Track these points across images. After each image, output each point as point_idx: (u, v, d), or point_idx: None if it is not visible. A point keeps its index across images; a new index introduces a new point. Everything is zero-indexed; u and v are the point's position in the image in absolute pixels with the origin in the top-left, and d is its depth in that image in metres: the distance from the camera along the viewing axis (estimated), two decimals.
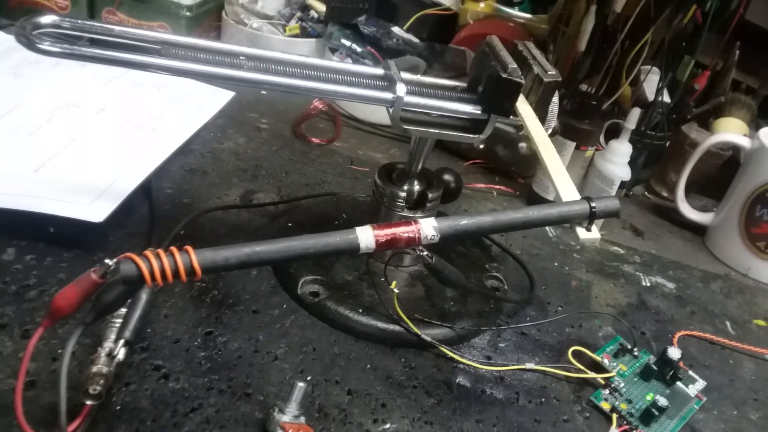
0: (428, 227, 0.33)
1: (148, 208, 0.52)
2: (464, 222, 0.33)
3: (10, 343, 0.38)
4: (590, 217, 0.35)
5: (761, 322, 0.58)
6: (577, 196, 0.37)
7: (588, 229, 0.36)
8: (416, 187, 0.48)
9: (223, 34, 0.81)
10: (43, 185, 0.47)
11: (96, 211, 0.45)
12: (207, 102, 0.65)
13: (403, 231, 0.32)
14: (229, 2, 0.80)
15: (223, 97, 0.66)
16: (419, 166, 0.47)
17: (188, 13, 0.75)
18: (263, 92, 0.77)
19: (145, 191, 0.53)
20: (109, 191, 0.48)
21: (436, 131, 0.42)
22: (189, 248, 0.29)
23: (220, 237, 0.51)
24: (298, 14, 0.79)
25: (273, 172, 0.62)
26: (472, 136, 0.42)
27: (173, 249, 0.28)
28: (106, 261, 0.29)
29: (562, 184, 0.37)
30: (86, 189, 0.47)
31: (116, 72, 0.65)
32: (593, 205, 0.35)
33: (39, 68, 0.63)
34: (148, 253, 0.28)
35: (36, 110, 0.56)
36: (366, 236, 0.32)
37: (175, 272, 0.28)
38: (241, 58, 0.40)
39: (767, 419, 0.47)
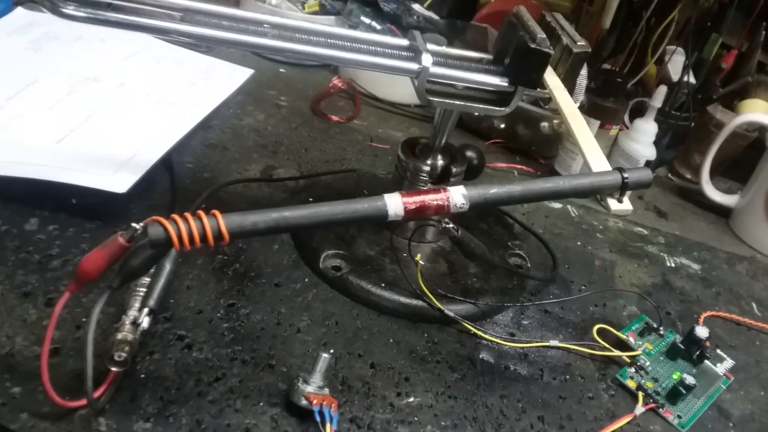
0: (457, 195, 0.32)
1: (170, 181, 0.51)
2: (494, 190, 0.33)
3: (35, 311, 0.38)
4: (622, 188, 0.34)
5: None
6: (608, 167, 0.36)
7: (620, 201, 0.35)
8: (440, 162, 0.47)
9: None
10: (65, 156, 0.47)
11: (119, 181, 0.44)
12: (226, 79, 0.64)
13: (432, 198, 0.32)
14: None
15: (242, 74, 0.66)
16: (443, 141, 0.47)
17: None
18: (282, 70, 0.76)
19: (166, 165, 0.52)
20: (131, 163, 0.47)
21: (462, 103, 0.41)
22: (216, 212, 0.28)
23: (241, 210, 0.51)
24: None
25: (293, 149, 0.61)
26: (498, 108, 0.42)
27: (200, 213, 0.28)
28: (133, 225, 0.29)
29: (593, 155, 0.36)
30: (108, 160, 0.47)
31: (135, 47, 0.65)
32: (625, 175, 0.34)
33: (59, 43, 0.62)
34: (176, 216, 0.28)
35: (56, 84, 0.56)
36: (394, 203, 0.31)
37: (203, 236, 0.28)
38: (265, 26, 0.39)
39: None
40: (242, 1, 0.80)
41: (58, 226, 0.44)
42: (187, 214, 0.28)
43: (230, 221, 0.28)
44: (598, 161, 0.36)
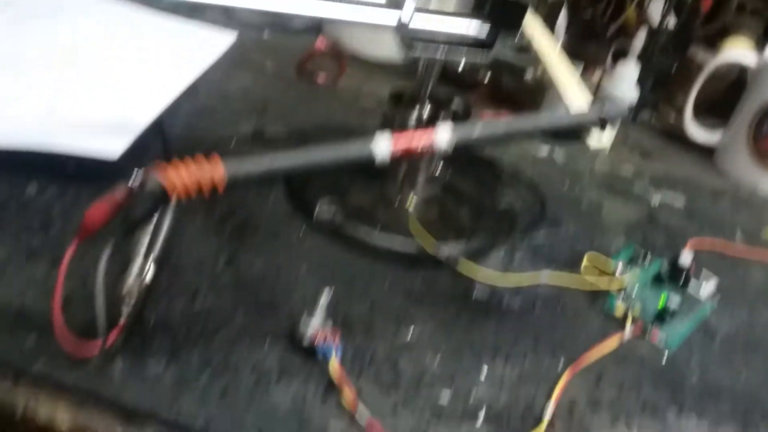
0: (445, 134, 0.33)
1: (162, 145, 0.52)
2: (480, 129, 0.34)
3: (43, 269, 0.39)
4: (601, 123, 0.35)
5: None
6: (587, 103, 0.37)
7: (599, 134, 0.36)
8: (426, 111, 0.48)
9: None
10: (57, 125, 0.48)
11: (111, 147, 0.45)
12: (210, 44, 0.65)
13: (419, 138, 0.33)
14: None
15: (226, 38, 0.66)
16: (428, 91, 0.48)
17: None
18: (265, 35, 0.77)
19: (157, 131, 0.53)
20: (122, 129, 0.48)
21: (445, 50, 0.42)
22: (215, 158, 0.30)
23: None
24: None
25: (281, 111, 0.62)
26: (481, 54, 0.43)
27: (199, 158, 0.29)
28: (133, 175, 0.30)
29: (570, 91, 0.37)
30: (99, 128, 0.48)
31: (116, 17, 0.65)
32: (605, 108, 0.35)
33: (37, 17, 0.63)
34: (173, 166, 0.29)
35: (40, 56, 0.57)
36: (383, 144, 0.32)
37: (199, 186, 0.29)
38: None
39: None
40: None
41: (54, 192, 0.45)
42: (184, 162, 0.29)
43: (227, 168, 0.29)
44: (576, 98, 0.37)
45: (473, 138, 0.36)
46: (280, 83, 0.67)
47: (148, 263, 0.37)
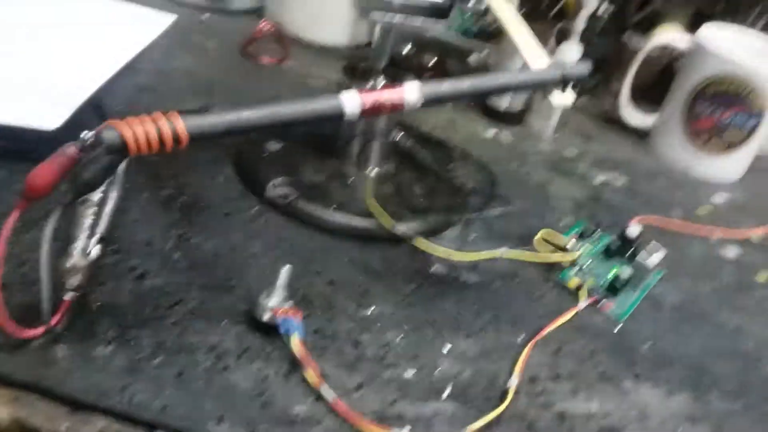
0: (412, 90, 0.33)
1: (100, 122, 0.49)
2: (446, 85, 0.33)
3: None
4: (563, 81, 0.36)
5: (705, 210, 0.62)
6: (547, 63, 0.38)
7: (563, 91, 0.36)
8: (382, 83, 0.47)
9: None
10: None
11: (49, 118, 0.42)
12: (149, 23, 0.62)
13: (388, 94, 0.32)
14: None
15: (165, 18, 0.64)
16: (383, 62, 0.47)
17: None
18: (204, 17, 0.74)
19: (95, 108, 0.50)
20: (60, 101, 0.45)
21: (402, 17, 0.42)
22: (174, 113, 0.28)
23: None
24: None
25: (227, 90, 0.60)
26: (438, 20, 0.42)
27: (156, 114, 0.27)
28: (84, 133, 0.28)
29: (531, 52, 0.37)
30: (36, 99, 0.45)
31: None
32: (566, 68, 0.36)
33: None
34: (131, 119, 0.27)
35: None
36: (352, 100, 0.31)
37: (160, 138, 0.27)
38: None
39: (718, 290, 0.51)
40: None
41: None
42: (143, 116, 0.27)
43: (188, 121, 0.28)
44: (537, 58, 0.37)
45: (441, 94, 0.35)
46: (223, 63, 0.65)
47: (93, 240, 0.35)
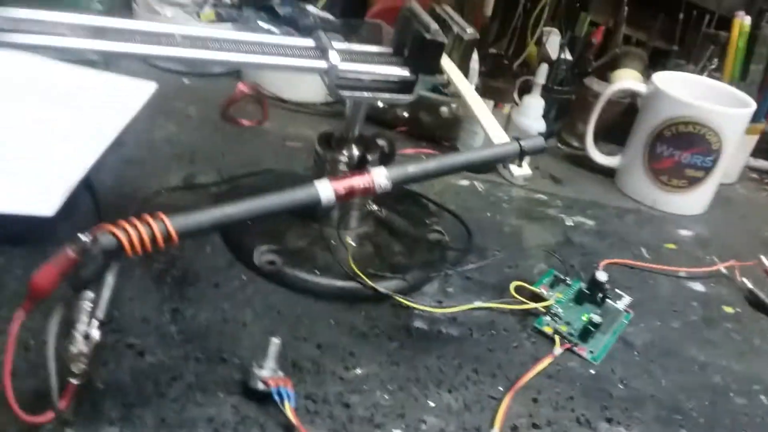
0: (380, 176, 0.36)
1: (92, 200, 0.52)
2: (412, 168, 0.36)
3: None
4: (520, 155, 0.39)
5: (672, 246, 0.65)
6: (507, 139, 0.41)
7: (519, 166, 0.40)
8: (355, 152, 0.50)
9: None
10: None
11: (44, 204, 0.45)
12: (131, 95, 0.64)
13: (358, 181, 0.35)
14: None
15: (147, 88, 0.66)
16: (356, 132, 0.50)
17: (99, 6, 0.74)
18: (185, 81, 0.77)
19: (86, 185, 0.53)
20: (53, 185, 0.47)
21: (371, 94, 0.45)
22: (162, 215, 0.30)
23: None
24: (211, 0, 0.79)
25: (209, 156, 0.63)
26: (404, 96, 0.46)
27: (147, 216, 0.30)
28: (81, 236, 0.30)
29: (492, 129, 0.41)
30: (29, 185, 0.47)
31: (34, 70, 0.64)
32: (522, 143, 0.39)
33: None
34: (123, 222, 0.29)
35: None
36: (325, 188, 0.34)
37: (152, 238, 0.30)
38: (177, 37, 0.41)
39: (686, 326, 0.54)
40: (135, 16, 0.80)
41: None
42: (134, 219, 0.30)
43: (177, 221, 0.30)
44: (497, 134, 0.40)
45: (408, 176, 0.38)
46: (205, 129, 0.68)
47: (93, 325, 0.37)
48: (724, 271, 0.61)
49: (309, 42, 0.45)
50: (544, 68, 0.70)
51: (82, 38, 0.38)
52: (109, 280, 0.39)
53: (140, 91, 0.65)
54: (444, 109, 0.74)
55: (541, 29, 0.77)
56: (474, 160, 0.38)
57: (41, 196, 0.45)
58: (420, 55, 0.45)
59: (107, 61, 0.73)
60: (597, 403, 0.44)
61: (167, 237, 0.30)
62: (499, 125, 0.41)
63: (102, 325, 0.37)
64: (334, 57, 0.44)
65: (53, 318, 0.31)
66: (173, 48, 0.40)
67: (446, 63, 0.47)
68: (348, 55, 0.45)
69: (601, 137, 0.80)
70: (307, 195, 0.34)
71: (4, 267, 0.43)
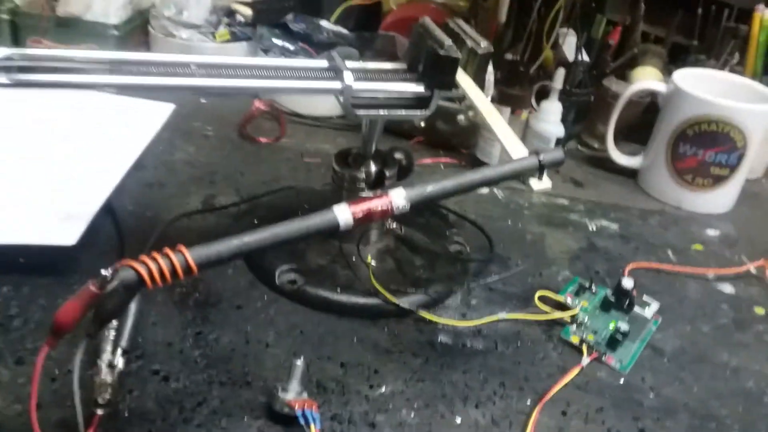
0: (399, 197, 0.35)
1: (114, 226, 0.52)
2: (430, 188, 0.36)
3: (6, 372, 0.38)
4: (540, 169, 0.38)
5: (699, 247, 0.64)
6: (525, 153, 0.40)
7: (539, 179, 0.39)
8: (373, 168, 0.50)
9: (152, 49, 0.81)
10: (6, 217, 0.47)
11: (66, 234, 0.45)
12: (150, 116, 0.65)
13: (377, 204, 0.35)
14: (154, 16, 0.80)
15: (165, 110, 0.67)
16: (373, 148, 0.50)
17: (116, 32, 0.75)
18: (203, 101, 0.78)
19: (107, 211, 0.53)
20: (74, 214, 0.48)
21: (386, 112, 0.45)
22: (182, 247, 0.30)
23: (192, 244, 0.52)
24: (226, 20, 0.80)
25: (229, 175, 0.63)
26: (419, 112, 0.45)
27: (167, 250, 0.30)
28: (102, 271, 0.30)
29: (510, 143, 0.40)
30: (51, 215, 0.48)
31: (48, 101, 0.65)
32: (541, 157, 0.38)
33: None
34: (144, 257, 0.30)
35: None
36: (344, 213, 0.34)
37: (173, 271, 0.30)
38: (192, 66, 0.41)
39: (717, 329, 0.52)
40: (152, 39, 0.81)
41: (11, 287, 0.45)
42: (155, 254, 0.30)
43: (196, 254, 0.30)
44: (515, 148, 0.40)
45: (426, 197, 0.38)
46: (223, 148, 0.68)
47: (117, 354, 0.37)
48: (753, 270, 0.60)
49: (322, 63, 0.46)
50: (561, 72, 0.69)
51: (99, 74, 0.39)
52: (132, 307, 0.40)
53: (158, 113, 0.66)
54: (461, 118, 0.74)
55: (557, 32, 0.76)
56: (492, 177, 0.38)
57: (63, 226, 0.46)
58: (435, 71, 0.45)
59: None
60: (628, 413, 0.43)
61: (187, 269, 0.30)
62: (517, 138, 0.41)
63: (126, 354, 0.38)
64: (348, 77, 0.44)
65: (78, 352, 0.31)
66: (189, 78, 0.40)
67: (461, 77, 0.46)
68: (362, 74, 0.45)
69: (621, 137, 0.79)
70: (325, 221, 0.34)
71: (28, 297, 0.44)
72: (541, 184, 0.39)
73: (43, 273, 0.46)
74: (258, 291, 0.48)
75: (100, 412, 0.35)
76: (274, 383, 0.39)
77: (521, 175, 0.39)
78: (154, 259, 0.30)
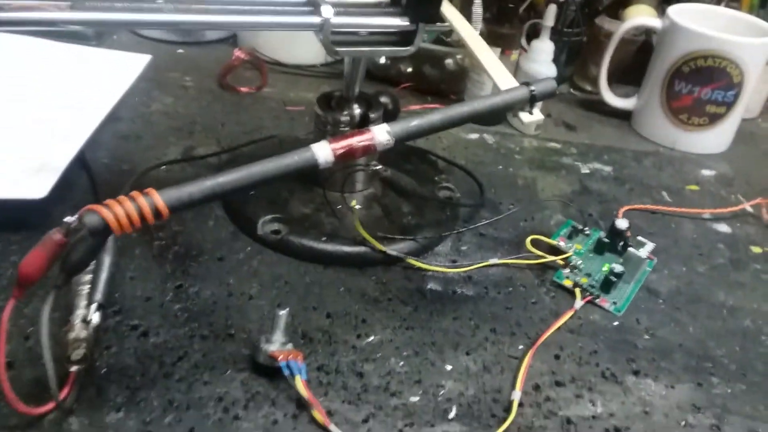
0: (382, 132, 0.33)
1: (88, 178, 0.50)
2: (416, 122, 0.34)
3: None
4: (531, 100, 0.36)
5: (694, 187, 0.62)
6: (515, 84, 0.38)
7: (530, 113, 0.37)
8: (357, 111, 0.48)
9: None
10: None
11: (36, 187, 0.43)
12: (125, 67, 0.62)
13: (358, 140, 0.33)
14: None
15: (140, 60, 0.64)
16: (356, 90, 0.48)
17: None
18: (180, 50, 0.75)
19: (80, 163, 0.51)
20: (45, 167, 0.46)
21: (368, 49, 0.42)
22: (150, 189, 0.29)
23: None
24: None
25: (209, 126, 0.61)
26: (404, 48, 0.43)
27: (134, 193, 0.28)
28: (67, 219, 0.29)
29: (500, 75, 0.38)
30: (20, 168, 0.46)
31: (18, 52, 0.62)
32: (532, 87, 0.36)
33: None
34: (110, 201, 0.28)
35: None
36: (323, 150, 0.32)
37: (141, 215, 0.28)
38: (159, 1, 0.38)
39: (713, 269, 0.51)
40: None
41: None
42: (121, 197, 0.28)
43: (166, 195, 0.28)
44: (505, 81, 0.38)
45: (411, 131, 0.36)
46: (203, 99, 0.65)
47: (92, 309, 0.36)
48: (750, 209, 0.59)
49: None
50: (552, 10, 0.66)
51: (59, 11, 0.36)
52: (106, 260, 0.38)
53: (133, 64, 0.63)
54: (449, 61, 0.71)
55: None
56: (482, 109, 0.36)
57: (33, 179, 0.44)
58: (419, 2, 0.42)
59: (99, 37, 0.71)
60: (622, 355, 0.42)
61: (156, 212, 0.28)
62: (507, 71, 0.39)
63: (102, 308, 0.36)
64: (327, 11, 0.41)
65: (46, 305, 0.29)
66: (157, 14, 0.38)
67: (447, 9, 0.44)
68: (342, 9, 0.43)
69: (615, 79, 0.77)
70: (303, 158, 0.32)
71: (0, 254, 0.42)
72: (533, 117, 0.37)
73: (14, 229, 0.44)
74: (240, 242, 0.47)
75: (74, 368, 0.33)
76: (258, 335, 0.38)
77: (512, 108, 0.37)
78: (120, 203, 0.28)
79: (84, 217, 0.27)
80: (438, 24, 0.43)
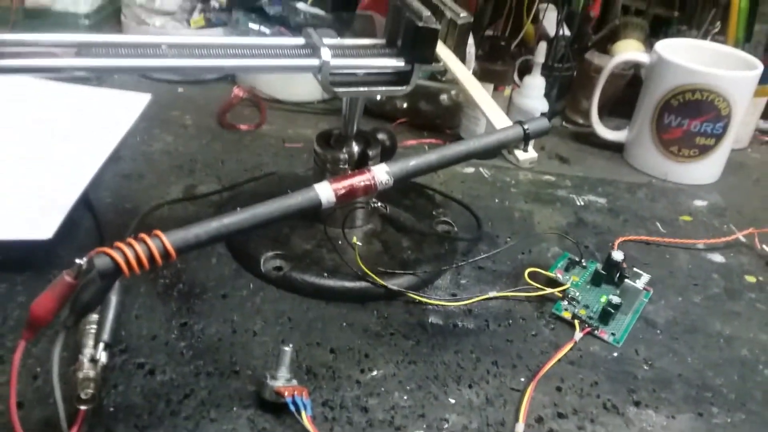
0: (381, 172, 0.34)
1: (93, 218, 0.51)
2: (413, 162, 0.35)
3: None
4: (525, 139, 0.37)
5: (687, 218, 0.64)
6: (509, 123, 0.39)
7: (525, 150, 0.38)
8: (355, 148, 0.49)
9: None
10: None
11: (42, 228, 0.44)
12: (126, 107, 0.64)
13: (359, 180, 0.34)
14: (125, 4, 0.78)
15: (141, 100, 0.65)
16: (354, 128, 0.49)
17: (87, 21, 0.73)
18: (180, 90, 0.76)
19: (85, 204, 0.52)
20: (50, 207, 0.47)
21: (366, 89, 0.44)
22: (158, 232, 0.29)
23: None
24: (200, 6, 0.78)
25: (209, 164, 0.62)
26: (400, 88, 0.44)
27: (143, 235, 0.29)
28: (78, 260, 0.29)
29: (494, 114, 0.39)
30: (26, 209, 0.46)
31: (22, 92, 0.63)
32: (525, 126, 0.37)
33: None
34: (119, 243, 0.29)
35: None
36: (325, 190, 0.33)
37: (150, 257, 0.29)
38: (162, 47, 0.40)
39: (709, 299, 0.52)
40: (125, 28, 0.79)
41: None
42: (130, 239, 0.29)
43: (174, 237, 0.29)
44: (499, 119, 0.39)
45: (409, 171, 0.37)
46: (203, 137, 0.67)
47: (100, 348, 0.36)
48: (743, 239, 0.60)
49: (299, 41, 0.44)
50: (542, 46, 0.68)
51: (67, 57, 0.37)
52: (113, 300, 0.39)
53: (134, 104, 0.65)
54: (444, 97, 0.73)
55: (537, 5, 0.75)
56: (477, 148, 0.37)
57: (39, 220, 0.45)
58: (414, 44, 0.43)
59: (99, 77, 0.72)
60: (623, 386, 0.42)
61: (165, 254, 0.29)
62: (500, 110, 0.40)
63: (109, 347, 0.37)
64: (325, 54, 0.42)
65: (56, 345, 0.30)
66: (160, 59, 0.39)
67: (441, 50, 0.45)
68: (340, 51, 0.44)
69: (606, 112, 0.78)
70: (307, 199, 0.33)
71: (6, 294, 0.43)
72: (527, 155, 0.38)
73: (20, 269, 0.45)
74: (243, 279, 0.47)
75: (83, 407, 0.34)
76: (263, 372, 0.38)
77: (506, 146, 0.38)
78: (130, 245, 0.28)
79: (94, 260, 0.28)
80: (433, 64, 0.45)
